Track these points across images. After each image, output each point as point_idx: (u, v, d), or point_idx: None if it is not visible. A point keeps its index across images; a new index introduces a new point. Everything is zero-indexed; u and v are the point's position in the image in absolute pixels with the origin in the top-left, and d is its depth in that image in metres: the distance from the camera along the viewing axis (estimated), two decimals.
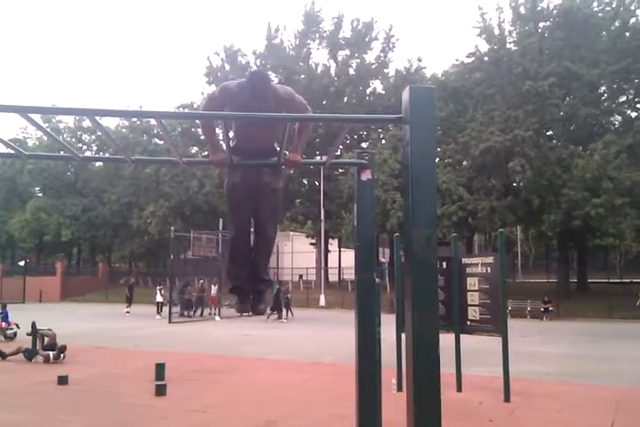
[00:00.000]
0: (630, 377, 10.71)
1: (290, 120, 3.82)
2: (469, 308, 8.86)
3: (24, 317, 15.68)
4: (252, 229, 4.36)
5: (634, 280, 35.77)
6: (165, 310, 26.24)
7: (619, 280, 38.85)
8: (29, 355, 11.70)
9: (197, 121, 40.19)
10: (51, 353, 11.61)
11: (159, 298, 26.77)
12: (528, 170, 28.70)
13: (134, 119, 48.48)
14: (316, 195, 38.73)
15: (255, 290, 4.32)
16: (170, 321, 23.13)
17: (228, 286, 4.46)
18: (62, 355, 11.74)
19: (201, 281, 27.97)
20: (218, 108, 3.89)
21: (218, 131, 4.53)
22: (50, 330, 12.27)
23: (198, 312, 26.72)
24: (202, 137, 44.87)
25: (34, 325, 12.47)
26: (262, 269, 4.32)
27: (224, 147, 4.04)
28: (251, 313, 4.48)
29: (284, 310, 25.02)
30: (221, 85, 4.01)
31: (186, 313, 25.91)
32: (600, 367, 12.04)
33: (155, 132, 48.29)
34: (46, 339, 11.98)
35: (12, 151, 3.84)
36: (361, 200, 4.50)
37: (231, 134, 4.14)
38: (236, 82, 3.93)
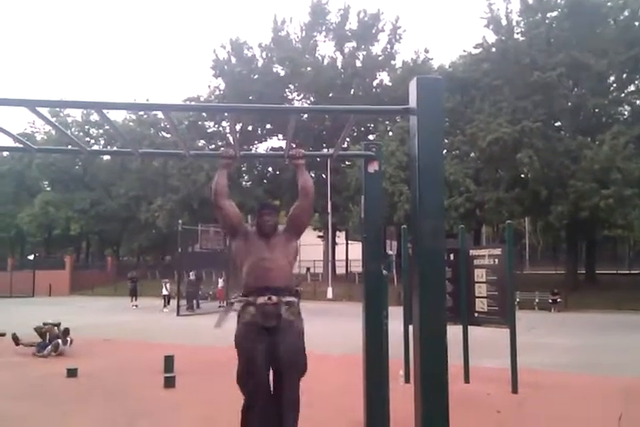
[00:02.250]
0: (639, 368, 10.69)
1: (297, 111, 3.82)
2: (477, 300, 8.85)
3: (33, 310, 15.76)
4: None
5: None
6: (172, 303, 26.40)
7: (627, 272, 38.67)
8: (39, 350, 11.71)
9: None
10: (59, 340, 11.64)
11: (165, 291, 26.85)
12: (536, 161, 28.56)
13: (141, 113, 48.52)
14: (323, 187, 38.67)
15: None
16: (178, 314, 23.23)
17: None
18: (69, 339, 11.77)
19: (191, 273, 27.84)
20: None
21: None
22: (56, 325, 12.29)
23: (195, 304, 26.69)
24: (208, 130, 45.04)
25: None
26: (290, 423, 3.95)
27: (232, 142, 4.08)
28: None
29: None
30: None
31: (193, 306, 25.87)
32: (609, 359, 12.02)
33: (162, 125, 48.33)
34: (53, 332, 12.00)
35: (21, 145, 3.85)
36: (368, 192, 4.50)
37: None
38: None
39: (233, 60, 43.04)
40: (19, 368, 10.34)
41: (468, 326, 8.85)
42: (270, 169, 44.60)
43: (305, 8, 43.44)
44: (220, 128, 44.43)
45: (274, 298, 3.86)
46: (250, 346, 3.84)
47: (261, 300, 3.87)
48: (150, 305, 27.02)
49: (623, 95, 32.07)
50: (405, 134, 31.70)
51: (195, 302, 26.42)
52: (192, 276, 27.47)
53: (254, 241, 4.08)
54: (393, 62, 42.80)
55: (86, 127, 53.75)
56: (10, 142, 4.00)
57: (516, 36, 33.37)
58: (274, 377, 3.93)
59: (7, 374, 9.81)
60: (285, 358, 3.83)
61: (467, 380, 8.66)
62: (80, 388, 8.53)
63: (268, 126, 43.77)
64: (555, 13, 32.95)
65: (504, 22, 33.59)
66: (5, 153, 50.42)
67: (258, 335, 3.85)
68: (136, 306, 27.58)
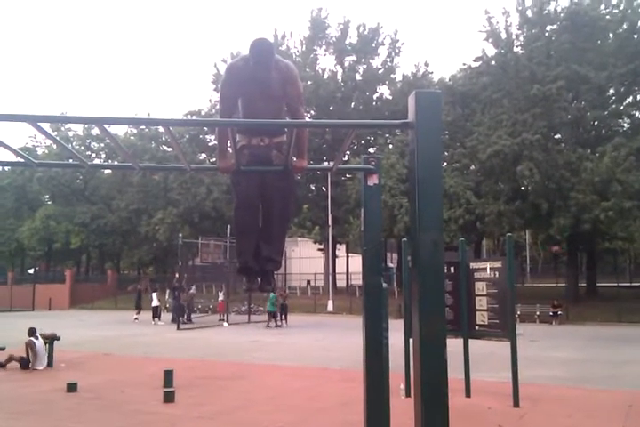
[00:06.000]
0: None
1: (295, 126, 3.83)
2: (477, 313, 8.83)
3: (33, 325, 15.60)
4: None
5: None
6: (163, 316, 26.79)
7: (628, 284, 38.54)
8: (24, 363, 11.65)
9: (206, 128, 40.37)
10: (31, 339, 11.62)
11: (155, 303, 26.70)
12: (536, 174, 28.57)
13: (143, 127, 48.67)
14: (323, 201, 38.74)
15: (263, 270, 4.23)
16: (178, 328, 23.18)
17: (237, 266, 4.36)
18: (38, 335, 11.83)
19: (192, 287, 27.76)
20: (232, 91, 3.96)
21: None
22: (56, 339, 12.31)
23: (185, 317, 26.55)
24: (209, 144, 45.18)
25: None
26: (272, 248, 4.21)
27: (232, 153, 4.05)
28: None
29: (280, 316, 25.09)
30: (227, 67, 4.09)
31: (181, 319, 25.42)
32: (610, 371, 11.97)
33: (163, 139, 48.48)
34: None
35: (22, 160, 3.87)
36: (368, 205, 4.51)
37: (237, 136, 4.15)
38: (240, 57, 3.99)
39: None
40: (19, 382, 10.32)
41: (469, 339, 8.84)
42: None
43: (305, 22, 43.68)
44: (227, 141, 44.61)
45: (266, 140, 4.09)
46: (244, 185, 4.12)
47: (254, 141, 4.10)
48: (151, 319, 26.90)
49: (622, 107, 32.16)
50: (405, 147, 31.80)
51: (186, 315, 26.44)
52: (193, 289, 27.47)
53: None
54: (393, 76, 43.01)
55: (87, 141, 53.88)
56: (11, 157, 4.02)
57: (515, 49, 33.52)
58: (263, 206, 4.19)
59: (8, 388, 9.79)
60: (271, 193, 4.13)
61: (468, 394, 8.63)
62: (80, 403, 8.50)
63: None
64: (554, 26, 33.12)
65: (503, 35, 33.79)
66: (6, 167, 50.54)
67: (252, 176, 4.10)
68: (137, 319, 27.45)
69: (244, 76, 3.86)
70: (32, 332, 11.90)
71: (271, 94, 3.93)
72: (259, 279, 4.28)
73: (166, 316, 27.36)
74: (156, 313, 26.51)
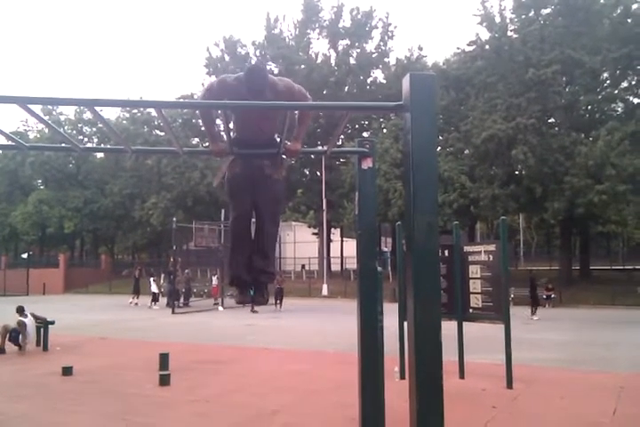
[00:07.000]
0: (633, 363, 10.74)
1: (289, 108, 3.80)
2: (472, 295, 8.87)
3: (27, 309, 15.60)
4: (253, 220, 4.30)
5: (636, 267, 35.71)
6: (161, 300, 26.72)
7: (621, 267, 38.78)
8: (14, 335, 11.68)
9: (197, 111, 40.31)
10: (20, 319, 11.68)
11: (154, 289, 26.70)
12: (530, 158, 28.60)
13: (135, 111, 48.33)
14: (317, 185, 38.70)
15: (256, 282, 4.23)
16: (173, 312, 23.22)
17: (228, 278, 4.38)
18: (28, 314, 11.93)
19: (186, 271, 27.84)
20: (215, 100, 3.90)
21: (218, 122, 4.52)
22: (50, 323, 12.34)
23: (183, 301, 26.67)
24: (202, 128, 44.94)
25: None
26: (266, 260, 4.22)
27: (224, 137, 4.03)
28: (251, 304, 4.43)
29: (275, 300, 24.98)
30: (220, 78, 4.01)
31: (177, 303, 25.26)
32: (603, 354, 12.07)
33: (155, 123, 48.20)
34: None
35: (13, 143, 3.83)
36: (362, 189, 4.49)
37: (231, 125, 4.12)
38: (235, 76, 3.90)
39: (226, 57, 42.92)
40: (14, 365, 10.33)
41: (463, 322, 8.88)
42: None
43: (298, 6, 43.28)
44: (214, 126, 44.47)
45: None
46: (239, 195, 4.20)
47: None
48: (146, 303, 26.93)
49: (616, 92, 32.11)
50: (399, 132, 31.72)
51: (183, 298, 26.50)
52: (187, 272, 27.47)
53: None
54: (387, 60, 42.75)
55: (79, 125, 53.52)
56: (2, 140, 3.98)
57: (509, 33, 33.34)
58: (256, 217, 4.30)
59: (4, 372, 9.81)
60: (263, 205, 4.21)
61: (462, 375, 8.69)
62: (75, 386, 8.53)
63: None
64: (548, 10, 32.96)
65: (498, 19, 33.58)
66: None
67: (245, 185, 4.17)
68: (137, 304, 27.39)
69: (235, 98, 3.74)
70: (20, 310, 11.91)
71: (266, 116, 3.98)
72: (251, 291, 4.29)
73: (162, 300, 27.38)
74: (155, 298, 26.53)
